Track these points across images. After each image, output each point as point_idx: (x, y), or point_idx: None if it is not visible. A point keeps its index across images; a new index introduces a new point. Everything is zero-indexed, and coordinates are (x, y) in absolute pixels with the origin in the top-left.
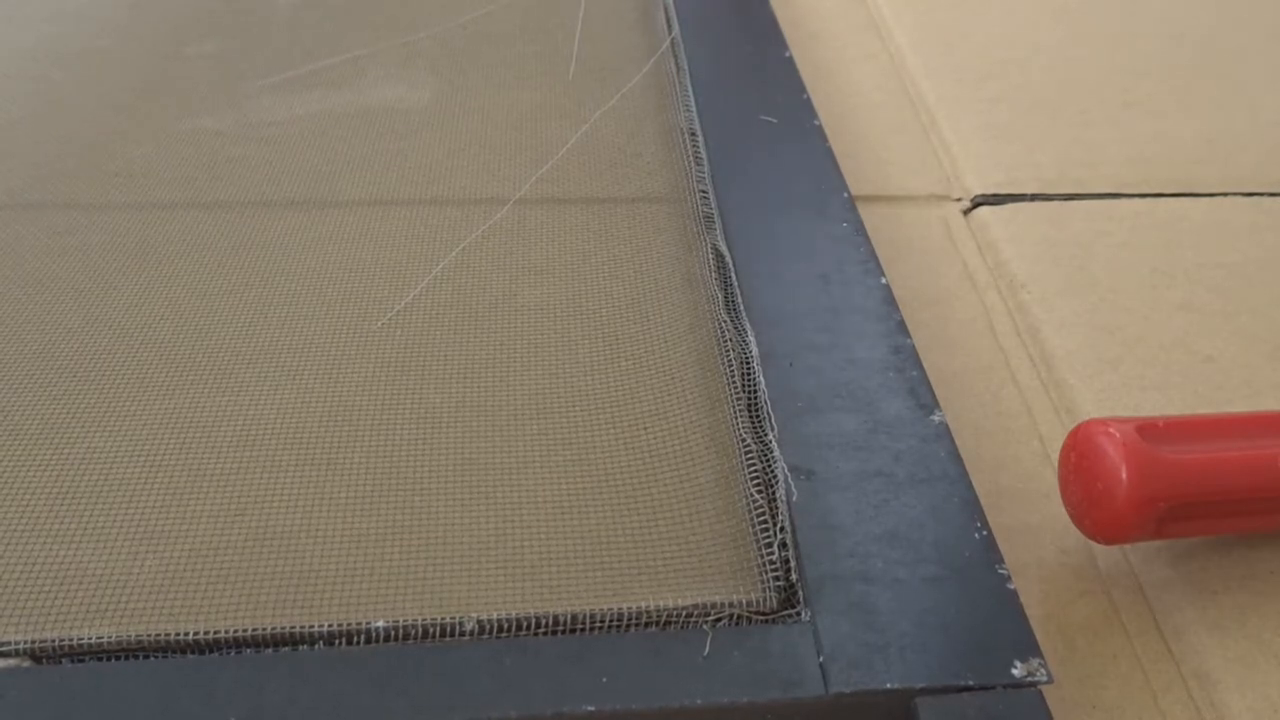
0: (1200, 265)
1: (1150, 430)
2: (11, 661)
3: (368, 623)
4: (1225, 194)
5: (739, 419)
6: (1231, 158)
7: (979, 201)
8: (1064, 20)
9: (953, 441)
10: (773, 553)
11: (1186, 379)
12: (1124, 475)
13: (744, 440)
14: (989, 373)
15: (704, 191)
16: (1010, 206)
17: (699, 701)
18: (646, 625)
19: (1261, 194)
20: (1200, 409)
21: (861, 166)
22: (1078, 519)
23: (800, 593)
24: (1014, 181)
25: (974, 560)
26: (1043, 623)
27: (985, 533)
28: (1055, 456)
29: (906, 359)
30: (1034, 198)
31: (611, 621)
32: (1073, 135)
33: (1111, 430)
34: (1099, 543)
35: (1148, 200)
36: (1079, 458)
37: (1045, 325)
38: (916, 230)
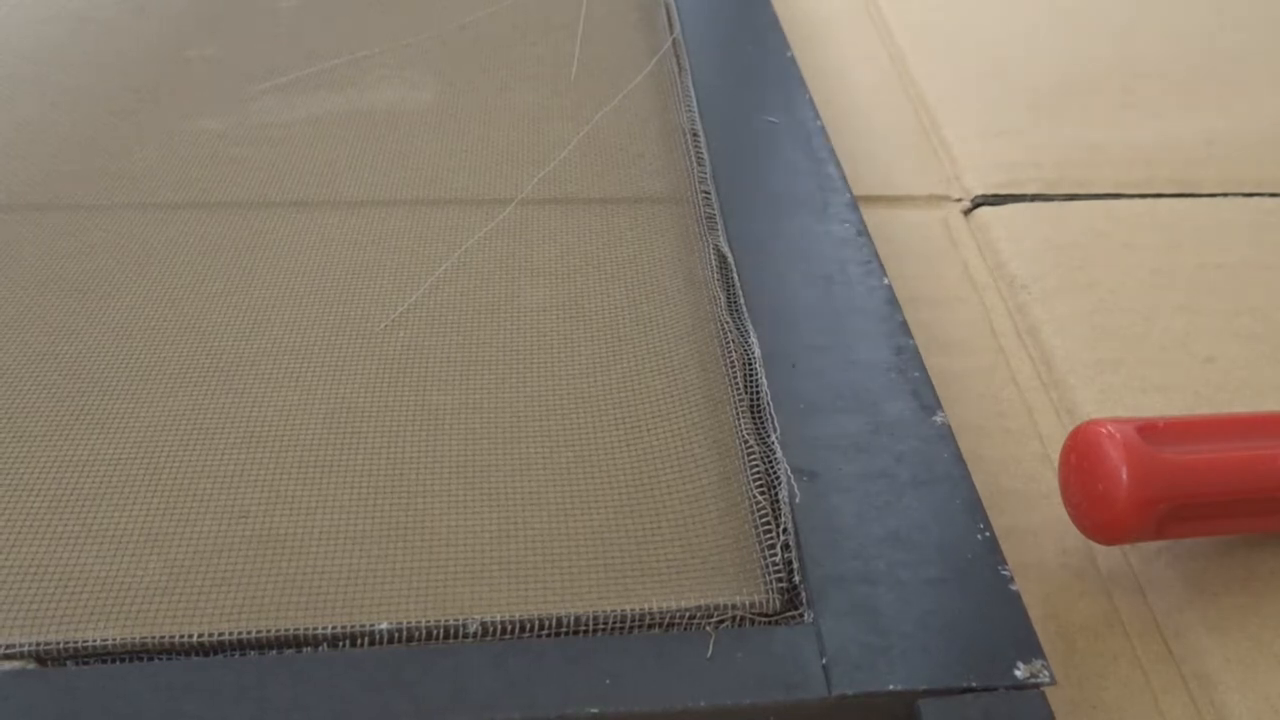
0: (1200, 266)
1: (1150, 431)
2: (16, 664)
3: (371, 625)
4: (1225, 194)
5: (741, 420)
6: (1231, 158)
7: (979, 201)
8: (1064, 20)
9: (955, 442)
10: (775, 554)
11: (1187, 379)
12: (1124, 476)
13: (746, 442)
14: (989, 373)
15: (706, 192)
16: (1010, 206)
17: (702, 703)
18: (650, 627)
19: (1261, 194)
20: (1200, 410)
21: (861, 167)
22: (1078, 520)
23: (803, 594)
24: (1014, 181)
25: (977, 561)
26: (1043, 623)
27: (988, 534)
28: (1056, 457)
29: (909, 360)
30: (1034, 198)
31: (615, 623)
32: (1073, 135)
33: (1112, 431)
34: (1099, 543)
35: (1148, 200)
36: (1079, 459)
37: (1045, 326)
38: (917, 231)
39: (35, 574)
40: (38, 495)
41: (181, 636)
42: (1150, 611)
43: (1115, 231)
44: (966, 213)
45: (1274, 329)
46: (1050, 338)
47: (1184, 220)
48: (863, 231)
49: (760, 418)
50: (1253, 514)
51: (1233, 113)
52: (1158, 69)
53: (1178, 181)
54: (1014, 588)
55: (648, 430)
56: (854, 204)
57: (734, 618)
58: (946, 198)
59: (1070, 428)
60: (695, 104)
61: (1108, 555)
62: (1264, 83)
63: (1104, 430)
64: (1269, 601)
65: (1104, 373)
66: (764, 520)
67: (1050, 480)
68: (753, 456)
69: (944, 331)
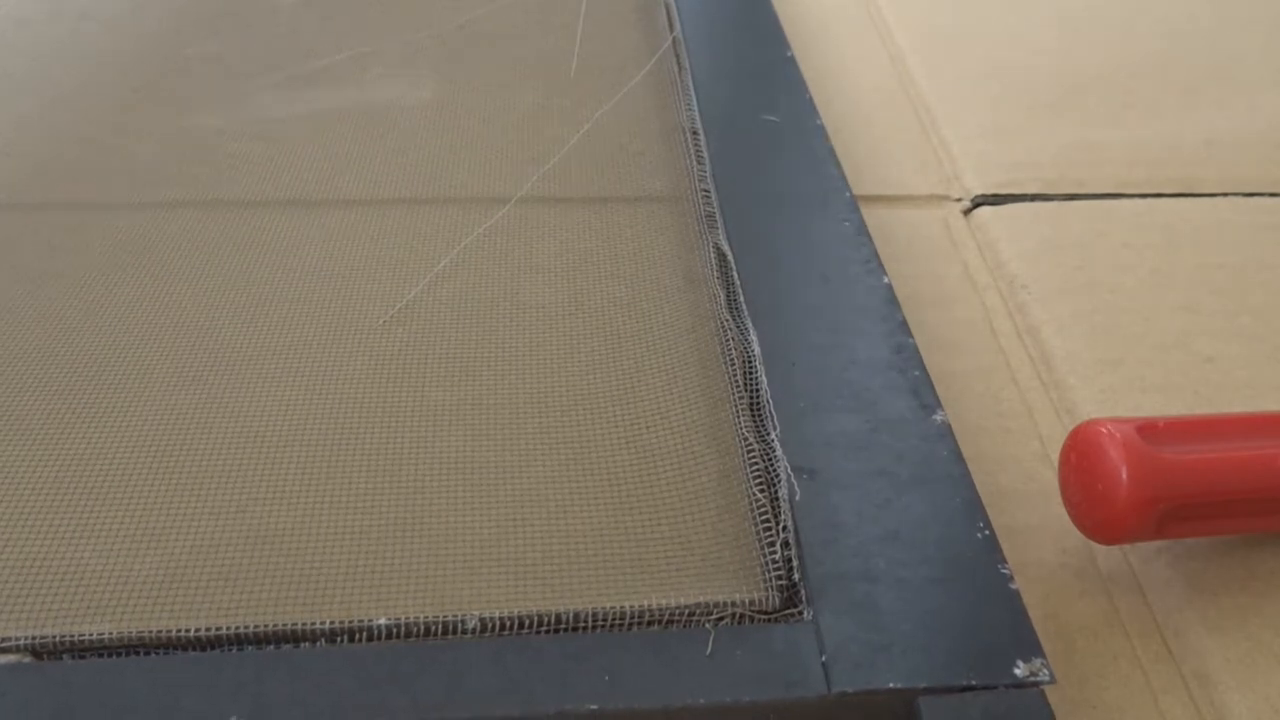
0: (1200, 265)
1: (1150, 431)
2: (13, 658)
3: (369, 620)
4: (1225, 194)
5: (741, 418)
6: (1231, 158)
7: (979, 201)
8: (1064, 20)
9: (955, 441)
10: (775, 552)
11: (1187, 379)
12: (1124, 476)
13: (746, 439)
14: (989, 373)
15: (706, 191)
16: (1010, 206)
17: (701, 700)
18: (649, 624)
19: (1261, 194)
20: (1200, 409)
21: (861, 166)
22: (1078, 519)
23: (803, 592)
24: (1014, 181)
25: (976, 560)
26: (1043, 623)
27: (988, 532)
28: (1055, 457)
29: (909, 359)
30: (1034, 198)
31: (614, 620)
32: (1073, 135)
33: (1111, 431)
34: (1099, 543)
35: (1148, 200)
36: (1079, 458)
37: (1045, 325)
38: (917, 230)
39: (32, 568)
40: (35, 490)
41: (179, 631)
42: (1150, 611)
43: (1115, 231)
44: (966, 212)
45: (1274, 329)
46: (1050, 338)
47: (1184, 220)
48: (862, 230)
49: (760, 416)
50: (1253, 514)
51: (1233, 113)
52: (1158, 69)
53: (1178, 181)
54: (1014, 586)
55: (647, 428)
56: (854, 203)
57: (733, 615)
58: (946, 197)
59: (1070, 428)
60: (695, 103)
61: (1108, 555)
62: (1264, 83)
63: (1104, 430)
64: (1269, 601)
65: (1104, 373)
66: (763, 518)
67: (1050, 480)
68: (752, 454)
69: (944, 331)
